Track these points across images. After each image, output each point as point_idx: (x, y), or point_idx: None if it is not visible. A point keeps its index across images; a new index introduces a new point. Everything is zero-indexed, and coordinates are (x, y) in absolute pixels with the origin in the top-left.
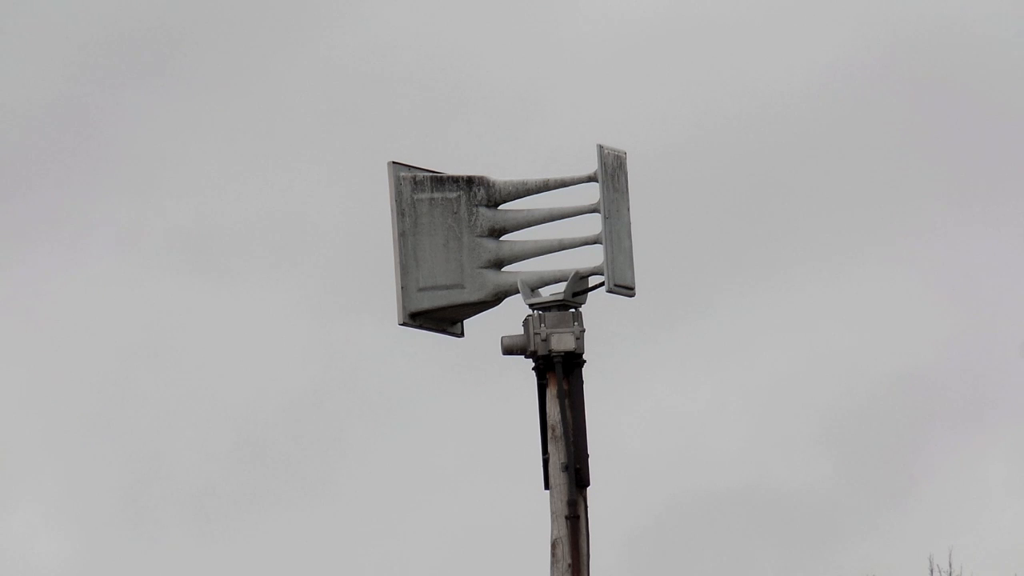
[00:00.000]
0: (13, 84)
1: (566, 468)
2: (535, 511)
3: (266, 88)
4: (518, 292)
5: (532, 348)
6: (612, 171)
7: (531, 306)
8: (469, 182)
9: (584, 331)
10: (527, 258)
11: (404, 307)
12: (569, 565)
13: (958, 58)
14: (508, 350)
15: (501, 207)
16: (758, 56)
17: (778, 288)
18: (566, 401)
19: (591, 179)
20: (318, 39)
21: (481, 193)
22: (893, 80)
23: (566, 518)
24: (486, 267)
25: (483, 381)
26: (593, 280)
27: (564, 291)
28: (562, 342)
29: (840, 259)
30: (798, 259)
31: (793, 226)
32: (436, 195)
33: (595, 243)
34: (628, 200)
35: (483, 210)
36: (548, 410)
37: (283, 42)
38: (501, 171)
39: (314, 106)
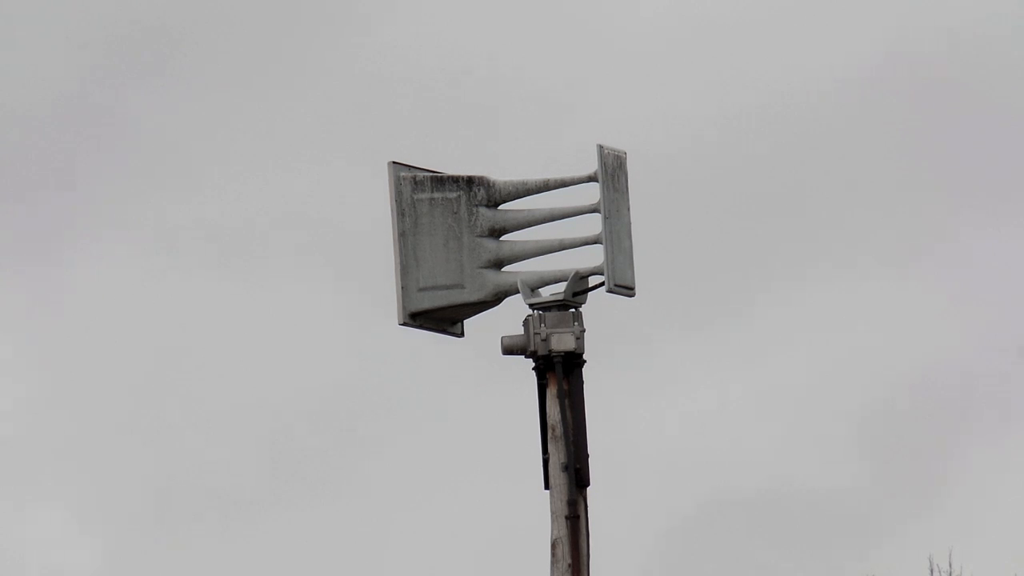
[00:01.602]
0: (14, 84)
1: (566, 468)
2: (535, 511)
3: (266, 88)
4: (518, 292)
5: (532, 348)
6: (612, 171)
7: (531, 306)
8: (469, 182)
9: (584, 331)
10: (527, 258)
11: (404, 307)
12: (569, 565)
13: (958, 59)
14: (508, 350)
15: (501, 207)
16: (760, 56)
17: (778, 288)
18: (566, 401)
19: (591, 179)
20: (318, 39)
21: (481, 193)
22: (895, 80)
23: (566, 518)
24: (486, 267)
25: (483, 381)
26: (593, 280)
27: (564, 291)
28: (562, 342)
29: (840, 259)
30: (798, 260)
31: (793, 226)
32: (436, 195)
33: (595, 243)
34: (628, 200)
35: (483, 210)
36: (548, 410)
37: (283, 42)
38: (501, 171)
39: (314, 106)
